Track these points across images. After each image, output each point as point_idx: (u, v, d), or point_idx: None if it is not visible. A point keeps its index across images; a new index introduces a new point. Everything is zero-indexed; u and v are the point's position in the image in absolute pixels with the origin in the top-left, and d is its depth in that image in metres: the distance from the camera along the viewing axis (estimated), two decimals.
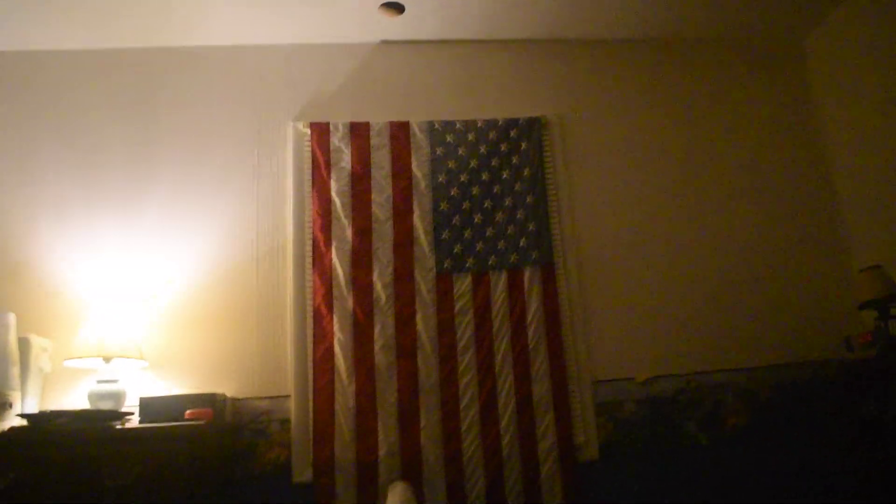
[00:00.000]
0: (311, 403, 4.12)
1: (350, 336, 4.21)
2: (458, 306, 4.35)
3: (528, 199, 4.56)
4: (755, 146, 4.96)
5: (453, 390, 4.21)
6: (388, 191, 4.48)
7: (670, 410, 4.37)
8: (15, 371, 3.66)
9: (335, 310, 4.24)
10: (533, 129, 4.70)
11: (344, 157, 4.50)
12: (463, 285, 4.39)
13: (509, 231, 4.51)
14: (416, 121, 4.62)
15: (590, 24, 4.88)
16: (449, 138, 4.61)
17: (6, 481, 3.23)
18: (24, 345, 3.80)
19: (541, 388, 4.25)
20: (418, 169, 4.54)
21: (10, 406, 3.58)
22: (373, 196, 4.46)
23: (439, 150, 4.58)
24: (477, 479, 4.07)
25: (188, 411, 3.64)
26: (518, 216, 4.53)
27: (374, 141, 4.55)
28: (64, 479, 3.29)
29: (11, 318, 3.72)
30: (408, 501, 3.14)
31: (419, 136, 4.59)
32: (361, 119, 4.60)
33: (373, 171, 4.50)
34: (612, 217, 4.70)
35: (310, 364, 4.19)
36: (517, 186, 4.59)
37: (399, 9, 4.51)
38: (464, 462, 4.09)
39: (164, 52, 4.70)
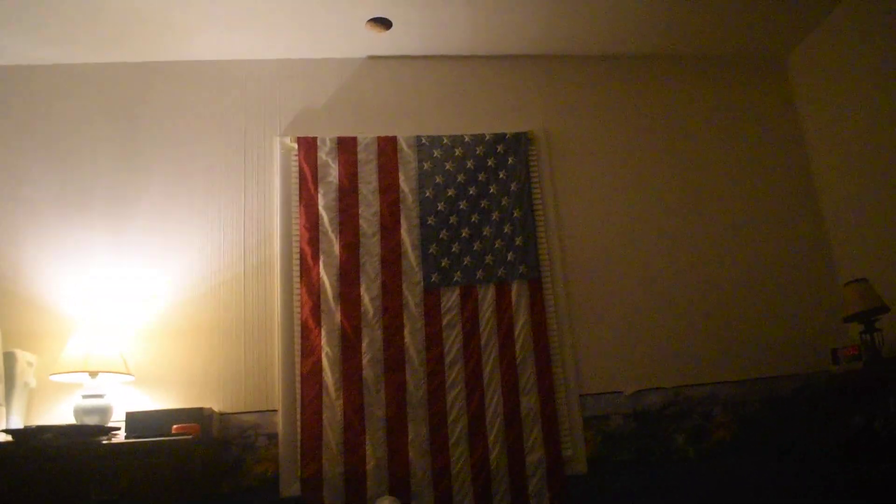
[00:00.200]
0: (298, 417, 4.11)
1: (338, 350, 4.21)
2: (445, 320, 4.35)
3: (516, 214, 4.58)
4: (740, 161, 5.00)
5: (441, 404, 4.20)
6: (376, 205, 4.49)
7: (658, 424, 4.38)
8: (0, 386, 3.64)
9: (323, 324, 4.24)
10: (520, 143, 4.73)
11: (331, 172, 4.51)
12: (451, 299, 4.40)
13: (497, 245, 4.52)
14: (404, 136, 4.64)
15: (576, 41, 4.92)
16: (436, 153, 4.63)
17: None
18: (9, 359, 3.78)
19: (529, 402, 4.25)
20: (405, 183, 4.55)
21: None
22: (360, 210, 4.47)
23: (426, 165, 4.60)
24: (465, 492, 4.06)
25: (175, 426, 3.61)
26: (505, 230, 4.55)
27: (361, 156, 4.57)
28: (50, 494, 3.27)
29: None
30: None
31: (406, 151, 4.61)
32: (349, 134, 4.61)
33: (360, 185, 4.51)
34: (599, 231, 4.73)
35: (297, 378, 4.18)
36: (504, 201, 4.61)
37: (386, 24, 4.54)
38: (452, 476, 4.08)
39: (151, 67, 4.71)
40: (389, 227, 4.46)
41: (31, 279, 4.23)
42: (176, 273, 4.33)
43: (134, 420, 3.73)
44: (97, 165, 4.48)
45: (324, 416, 4.09)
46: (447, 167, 4.61)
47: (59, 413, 3.99)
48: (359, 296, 4.32)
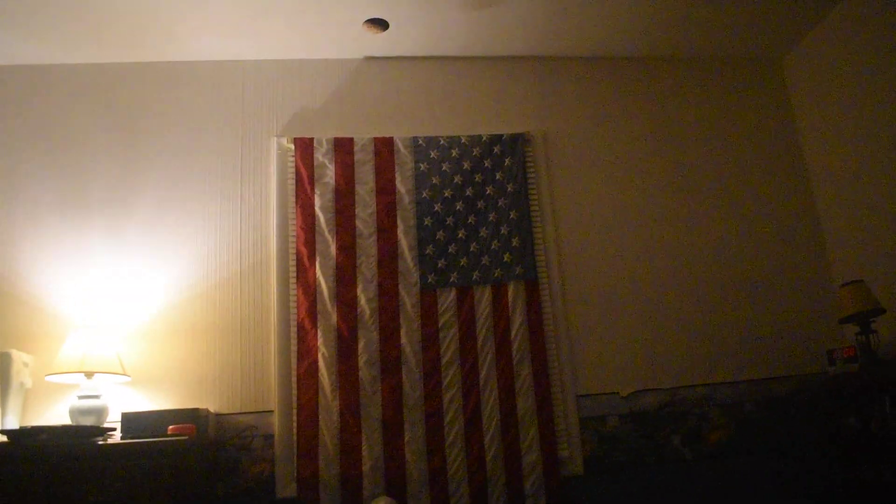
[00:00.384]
0: (294, 418, 4.11)
1: (334, 351, 4.21)
2: (442, 321, 4.36)
3: (512, 215, 4.58)
4: (736, 163, 5.01)
5: (437, 405, 4.20)
6: (372, 206, 4.49)
7: (654, 424, 4.38)
8: None
9: (319, 325, 4.24)
10: (516, 144, 4.73)
11: (328, 173, 4.51)
12: (447, 300, 4.40)
13: (493, 246, 4.52)
14: (400, 136, 4.65)
15: (573, 42, 4.93)
16: (433, 154, 4.63)
17: None
18: (5, 360, 3.78)
19: (525, 403, 4.26)
20: (402, 184, 4.55)
21: None
22: (357, 211, 4.47)
23: (423, 166, 4.60)
24: (461, 493, 4.06)
25: (171, 427, 3.61)
26: (502, 231, 4.55)
27: (357, 156, 4.57)
28: (45, 495, 3.27)
29: None
30: None
31: (403, 152, 4.61)
32: (345, 135, 4.62)
33: (357, 186, 4.52)
34: (595, 232, 4.73)
35: (293, 379, 4.18)
36: (501, 202, 4.61)
37: (383, 25, 4.54)
38: (448, 476, 4.08)
39: (148, 68, 4.71)
40: (386, 227, 4.46)
41: (28, 279, 4.23)
42: (172, 273, 4.33)
43: (130, 421, 3.73)
44: (94, 165, 4.47)
45: (320, 416, 4.09)
46: (444, 168, 4.61)
47: (55, 414, 3.98)
48: (355, 297, 4.32)
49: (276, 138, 4.62)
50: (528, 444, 4.19)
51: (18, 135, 4.48)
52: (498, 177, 4.66)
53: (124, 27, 4.37)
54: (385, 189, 4.54)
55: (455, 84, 4.94)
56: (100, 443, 3.48)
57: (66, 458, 3.34)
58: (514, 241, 4.53)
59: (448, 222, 4.53)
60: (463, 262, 4.47)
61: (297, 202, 4.46)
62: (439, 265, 4.44)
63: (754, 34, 4.98)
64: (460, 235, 4.52)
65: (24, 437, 3.38)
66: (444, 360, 4.29)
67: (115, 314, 4.20)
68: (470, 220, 4.56)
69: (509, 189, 4.63)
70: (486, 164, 4.66)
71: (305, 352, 4.20)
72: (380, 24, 4.52)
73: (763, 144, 5.09)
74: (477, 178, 4.63)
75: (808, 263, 4.85)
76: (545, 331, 4.44)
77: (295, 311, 4.30)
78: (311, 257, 4.35)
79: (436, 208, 4.54)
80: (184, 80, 4.72)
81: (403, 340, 4.28)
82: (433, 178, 4.59)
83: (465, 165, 4.64)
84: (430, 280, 4.41)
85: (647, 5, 4.57)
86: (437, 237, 4.49)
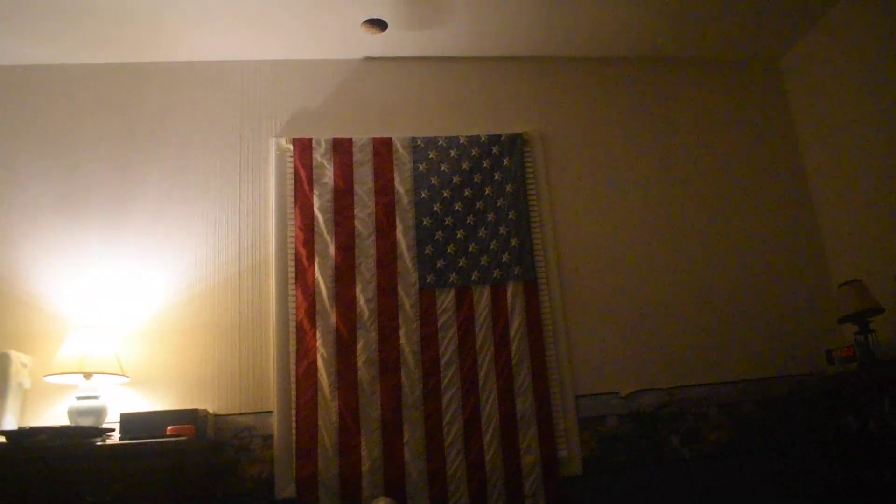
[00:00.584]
0: (293, 419, 4.11)
1: (333, 351, 4.20)
2: (441, 321, 4.35)
3: (511, 215, 4.58)
4: (734, 163, 5.02)
5: (436, 405, 4.20)
6: (371, 206, 4.49)
7: (653, 424, 4.38)
8: None
9: (318, 325, 4.24)
10: (515, 145, 4.73)
11: (326, 173, 4.51)
12: (446, 300, 4.40)
13: (492, 246, 4.52)
14: (399, 137, 4.64)
15: (572, 43, 4.93)
16: (431, 154, 4.63)
17: None
18: (3, 360, 3.77)
19: (524, 403, 4.25)
20: (401, 185, 4.55)
21: None
22: (355, 212, 4.47)
23: (422, 166, 4.60)
24: (460, 494, 4.06)
25: (169, 427, 3.60)
26: (501, 232, 4.55)
27: (356, 157, 4.56)
28: (44, 496, 3.26)
29: None
30: None
31: (402, 153, 4.61)
32: (344, 135, 4.61)
33: (355, 186, 4.51)
34: (594, 232, 4.73)
35: (292, 379, 4.18)
36: (500, 202, 4.61)
37: (382, 26, 4.54)
38: (447, 477, 4.08)
39: (147, 67, 4.71)
40: (385, 228, 4.46)
41: (27, 279, 4.22)
42: (171, 274, 4.33)
43: (128, 421, 3.72)
44: (92, 166, 4.47)
45: (319, 417, 4.09)
46: (442, 168, 4.61)
47: (54, 414, 3.98)
48: (354, 297, 4.31)
49: (274, 138, 4.62)
50: (527, 444, 4.18)
51: (16, 135, 4.47)
52: (497, 177, 4.66)
53: (123, 28, 4.37)
54: (384, 189, 4.53)
55: (453, 84, 4.94)
56: (98, 443, 3.48)
57: (64, 458, 3.33)
58: (513, 242, 4.53)
59: (447, 222, 4.52)
60: (462, 262, 4.47)
61: (295, 202, 4.46)
62: (438, 265, 4.44)
63: (752, 35, 4.98)
64: (459, 236, 4.52)
65: (23, 438, 3.37)
66: (443, 361, 4.28)
67: (113, 315, 4.20)
68: (469, 221, 4.56)
69: (508, 189, 4.63)
70: (485, 165, 4.66)
71: (304, 352, 4.20)
72: (378, 24, 4.52)
73: (761, 145, 5.09)
74: (476, 179, 4.63)
75: (806, 263, 4.86)
76: (544, 331, 4.44)
77: (294, 311, 4.29)
78: (310, 258, 4.34)
79: (434, 209, 4.53)
80: (182, 80, 4.72)
81: (402, 341, 4.28)
82: (432, 179, 4.58)
83: (464, 166, 4.64)
84: (428, 280, 4.40)
85: (645, 7, 4.57)
86: (436, 237, 4.48)
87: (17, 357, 3.86)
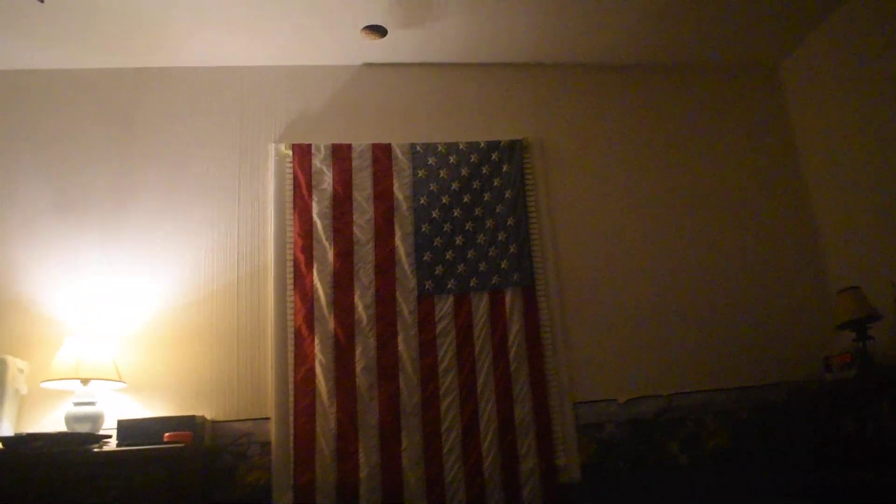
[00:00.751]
0: (291, 426, 4.09)
1: (331, 358, 4.19)
2: (439, 328, 4.35)
3: (510, 221, 4.58)
4: (733, 169, 5.02)
5: (435, 412, 4.19)
6: (370, 213, 4.48)
7: (652, 431, 4.38)
8: None
9: (316, 331, 4.23)
10: (514, 151, 4.73)
11: (325, 179, 4.50)
12: (444, 307, 4.39)
13: (491, 253, 4.52)
14: (398, 143, 4.64)
15: (571, 49, 4.94)
16: (430, 160, 4.63)
17: None
18: (0, 366, 3.75)
19: (522, 410, 4.25)
20: (400, 191, 4.55)
21: None
22: (354, 218, 4.46)
23: (421, 173, 4.60)
24: (458, 501, 4.04)
25: (167, 434, 3.59)
26: (499, 238, 4.55)
27: (355, 163, 4.56)
28: (40, 503, 3.24)
29: None
30: None
31: (401, 159, 4.61)
32: (343, 141, 4.61)
33: (354, 192, 4.51)
34: (593, 239, 4.73)
35: (290, 386, 4.16)
36: (498, 208, 4.61)
37: (381, 32, 4.54)
38: (445, 484, 4.07)
39: (146, 73, 4.70)
40: (383, 234, 4.46)
41: (24, 285, 4.21)
42: (169, 280, 4.32)
43: (125, 428, 3.71)
44: (91, 171, 4.46)
45: (317, 424, 4.08)
46: (441, 175, 4.61)
47: (51, 420, 3.96)
48: (352, 303, 4.31)
49: (273, 144, 4.62)
50: (525, 451, 4.18)
51: (15, 139, 4.47)
52: (496, 183, 4.66)
53: (122, 32, 4.37)
54: (383, 195, 4.53)
55: (453, 91, 4.94)
56: (95, 450, 3.48)
57: (61, 465, 3.32)
58: (512, 248, 4.52)
59: (446, 229, 4.52)
60: (460, 268, 4.46)
61: (294, 208, 4.45)
62: (437, 272, 4.43)
63: (751, 40, 4.99)
64: (458, 242, 4.51)
65: (19, 444, 3.36)
66: (441, 367, 4.28)
67: (111, 320, 4.18)
68: (468, 227, 4.55)
69: (507, 195, 4.63)
70: (484, 171, 4.66)
71: (302, 358, 4.19)
72: (378, 30, 4.52)
73: (760, 150, 5.10)
74: (475, 185, 4.63)
75: (804, 270, 4.86)
76: (542, 337, 4.44)
77: (292, 317, 4.28)
78: (309, 264, 4.34)
79: (433, 215, 4.53)
80: (182, 85, 4.71)
81: (401, 347, 4.27)
82: (431, 185, 4.58)
83: (463, 172, 4.63)
84: (427, 287, 4.40)
85: (644, 13, 4.57)
86: (435, 244, 4.48)
87: (13, 363, 3.84)
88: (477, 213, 4.59)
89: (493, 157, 4.69)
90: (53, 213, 4.36)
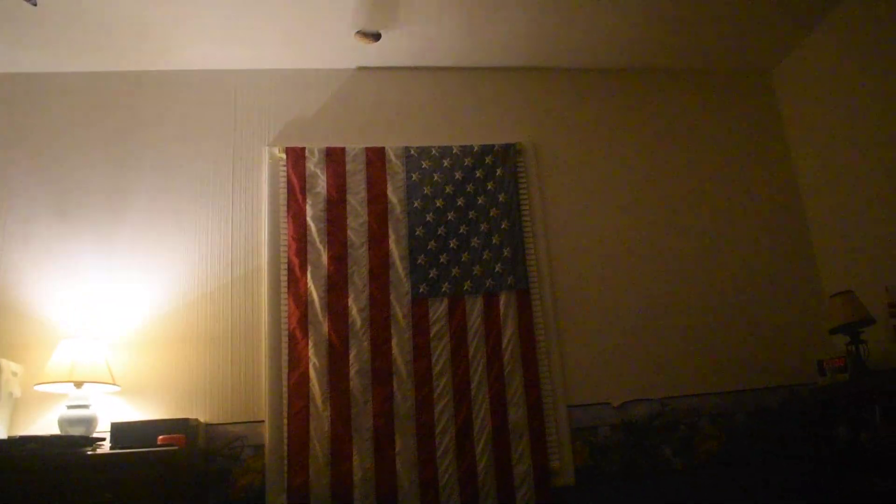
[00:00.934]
0: (285, 429, 4.09)
1: (325, 361, 4.19)
2: (433, 331, 4.35)
3: (504, 225, 4.59)
4: (726, 173, 5.03)
5: (429, 415, 4.19)
6: (364, 216, 4.49)
7: (645, 435, 4.38)
8: None
9: (310, 335, 4.23)
10: (508, 155, 4.74)
11: (319, 183, 4.51)
12: (438, 310, 4.39)
13: (485, 256, 4.52)
14: (392, 146, 4.65)
15: (565, 53, 4.95)
16: (424, 164, 4.63)
17: None
18: None
19: (516, 413, 4.25)
20: (394, 194, 4.55)
21: None
22: (348, 221, 4.47)
23: (415, 176, 4.60)
24: None
25: (160, 437, 3.59)
26: (494, 241, 4.55)
27: (349, 166, 4.56)
28: None
29: None
30: None
31: (395, 162, 4.61)
32: (337, 144, 4.62)
33: (348, 196, 4.51)
34: (587, 243, 4.74)
35: (284, 389, 4.16)
36: (493, 212, 4.62)
37: (375, 36, 4.54)
38: (439, 487, 4.07)
39: (140, 76, 4.71)
40: (377, 237, 4.46)
41: (17, 288, 4.20)
42: (163, 283, 4.32)
43: (119, 431, 3.70)
44: (84, 174, 4.46)
45: (311, 427, 4.08)
46: (435, 178, 4.61)
47: (44, 423, 3.95)
48: (346, 307, 4.31)
49: (267, 147, 4.62)
50: (519, 454, 4.18)
51: (9, 143, 4.46)
52: (489, 187, 4.66)
53: (116, 36, 4.37)
54: (376, 199, 4.53)
55: (447, 94, 4.95)
56: (89, 453, 3.47)
57: (54, 468, 3.31)
58: (506, 252, 4.53)
59: (440, 232, 4.53)
60: (454, 272, 4.47)
61: (288, 212, 4.45)
62: (431, 275, 4.44)
63: (744, 46, 5.01)
64: (452, 245, 4.52)
65: (13, 447, 3.36)
66: (435, 371, 4.28)
67: (105, 323, 4.18)
68: (461, 230, 4.56)
69: (501, 199, 4.64)
70: (478, 174, 4.67)
71: (296, 361, 4.19)
72: (372, 34, 4.53)
73: (753, 155, 5.11)
74: (468, 188, 4.64)
75: (798, 274, 4.87)
76: (536, 341, 4.44)
77: (286, 320, 4.28)
78: (303, 267, 4.34)
79: (427, 218, 4.53)
80: (175, 89, 4.72)
81: (395, 350, 4.27)
82: (425, 188, 4.59)
83: (457, 175, 4.64)
84: (421, 290, 4.40)
85: (637, 18, 4.59)
86: (429, 247, 4.48)
87: (7, 366, 3.84)
88: (471, 216, 4.60)
89: (487, 160, 4.70)
90: (47, 216, 4.35)
